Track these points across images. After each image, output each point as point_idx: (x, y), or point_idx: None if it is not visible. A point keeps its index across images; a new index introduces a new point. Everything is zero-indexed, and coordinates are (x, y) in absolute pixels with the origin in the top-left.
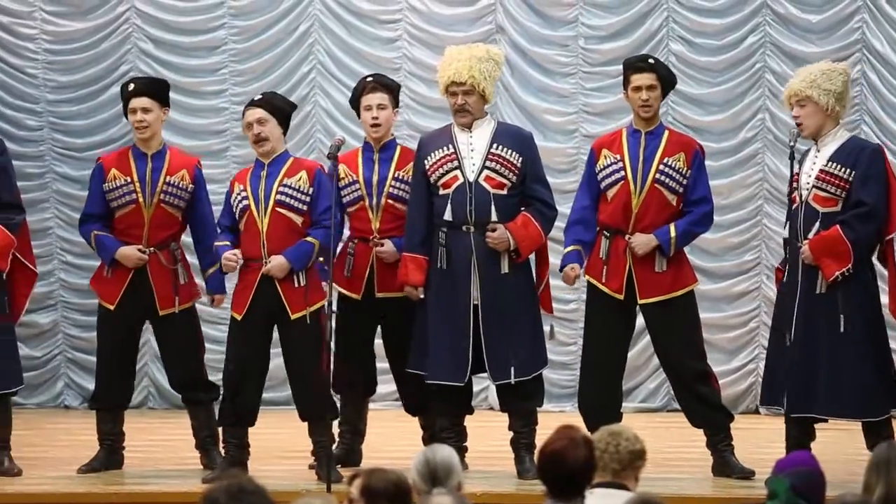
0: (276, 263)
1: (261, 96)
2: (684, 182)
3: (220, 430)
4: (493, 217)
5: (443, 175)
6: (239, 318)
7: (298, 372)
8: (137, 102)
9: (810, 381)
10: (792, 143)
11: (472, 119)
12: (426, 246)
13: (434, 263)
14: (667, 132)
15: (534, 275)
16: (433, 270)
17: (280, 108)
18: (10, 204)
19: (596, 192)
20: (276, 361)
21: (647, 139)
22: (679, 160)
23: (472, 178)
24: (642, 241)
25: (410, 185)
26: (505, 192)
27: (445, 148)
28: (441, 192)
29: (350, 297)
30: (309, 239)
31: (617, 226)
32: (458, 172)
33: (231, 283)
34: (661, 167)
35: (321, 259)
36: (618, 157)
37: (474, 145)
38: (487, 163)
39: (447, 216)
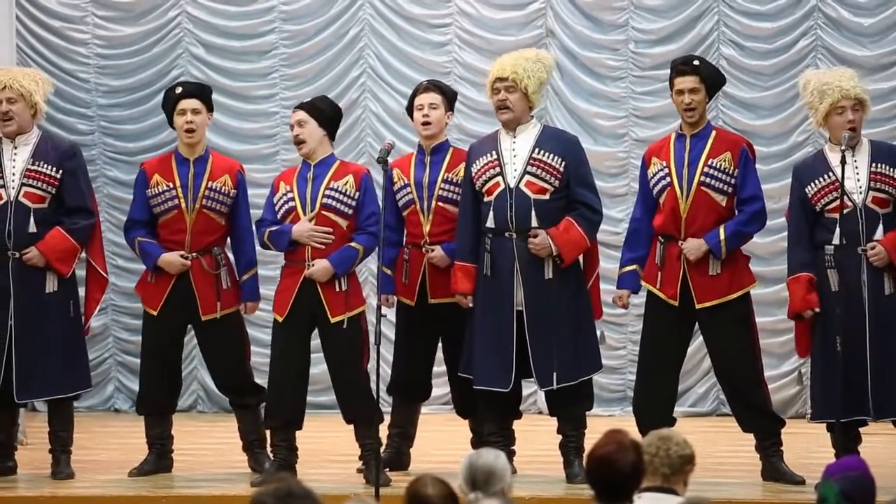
0: (320, 267)
1: (307, 100)
2: (732, 182)
3: (267, 433)
4: (534, 223)
5: (486, 182)
6: (281, 319)
7: (340, 375)
8: (187, 104)
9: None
10: (843, 148)
11: (514, 117)
12: (475, 254)
13: (480, 270)
14: (714, 133)
15: (583, 280)
16: (480, 277)
17: (321, 111)
18: (78, 208)
19: (650, 201)
20: (323, 365)
21: (693, 142)
22: (724, 160)
23: (512, 183)
24: (693, 247)
25: (461, 192)
26: (547, 197)
27: (490, 154)
28: (485, 198)
29: (406, 304)
30: (353, 244)
31: (669, 232)
32: (499, 179)
33: (268, 287)
34: (706, 169)
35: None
36: (664, 163)
37: (517, 151)
38: (529, 168)
39: (489, 223)
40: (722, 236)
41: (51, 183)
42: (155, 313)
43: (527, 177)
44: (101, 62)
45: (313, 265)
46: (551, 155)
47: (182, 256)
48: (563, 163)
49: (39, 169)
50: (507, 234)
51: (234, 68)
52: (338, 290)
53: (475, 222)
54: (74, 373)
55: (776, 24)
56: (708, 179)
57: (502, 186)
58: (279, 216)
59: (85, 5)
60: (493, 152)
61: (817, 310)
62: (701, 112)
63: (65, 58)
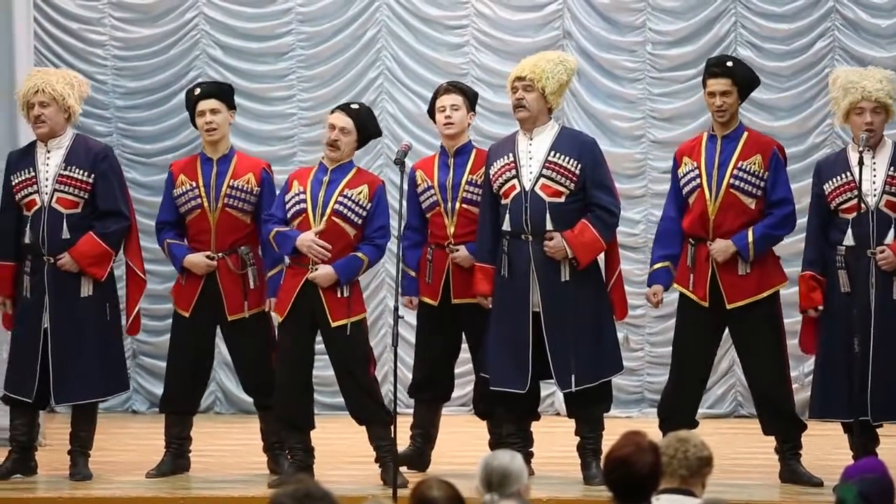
0: (324, 273)
1: (356, 106)
2: (762, 185)
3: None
4: (549, 226)
5: (503, 184)
6: (280, 319)
7: (347, 380)
8: (205, 104)
9: None
10: (861, 149)
11: (529, 116)
12: (494, 255)
13: (499, 271)
14: (745, 134)
15: (603, 281)
16: (498, 278)
17: (366, 128)
18: (111, 212)
19: (681, 199)
20: None
21: (724, 144)
22: (755, 163)
23: (528, 186)
24: (721, 248)
25: (481, 193)
26: (562, 199)
27: (507, 156)
28: (503, 201)
29: (428, 303)
30: (360, 255)
31: (698, 234)
32: (515, 181)
33: None
34: (736, 171)
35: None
36: (695, 163)
37: (533, 153)
38: (544, 171)
39: (506, 226)
40: (750, 238)
41: (83, 188)
42: (186, 314)
43: (542, 180)
44: (119, 64)
45: (317, 269)
46: (567, 157)
47: (208, 257)
48: (579, 165)
49: (71, 174)
50: (522, 237)
51: (252, 70)
52: (339, 295)
53: (494, 224)
54: (110, 375)
55: (793, 25)
56: (737, 182)
57: (518, 189)
58: (289, 215)
59: (102, 7)
60: (511, 154)
61: (820, 308)
62: (731, 114)
63: (82, 59)
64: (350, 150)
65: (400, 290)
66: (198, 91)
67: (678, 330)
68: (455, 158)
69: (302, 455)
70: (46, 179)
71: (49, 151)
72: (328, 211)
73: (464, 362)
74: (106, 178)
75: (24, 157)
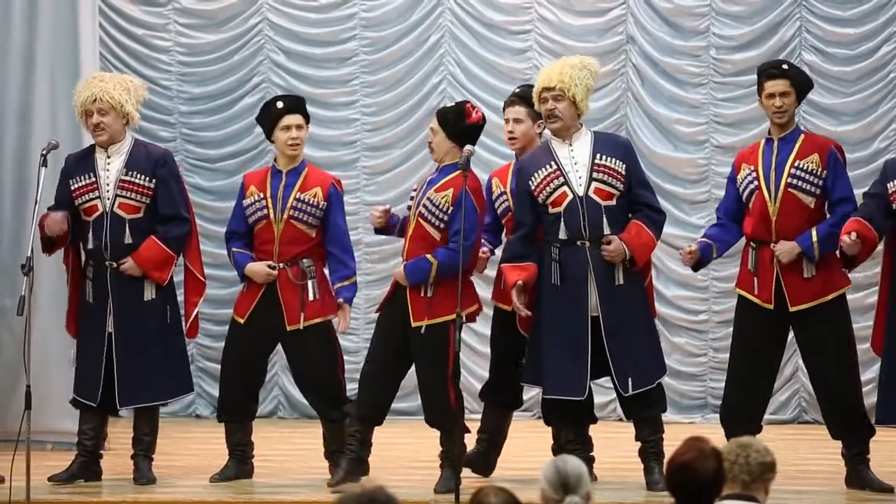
0: (398, 272)
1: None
2: (819, 183)
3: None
4: (606, 230)
5: (551, 193)
6: (376, 314)
7: (422, 380)
8: (292, 119)
9: None
10: None
11: (563, 125)
12: (524, 259)
13: (547, 280)
14: (802, 136)
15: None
16: (546, 286)
17: (455, 133)
18: (172, 216)
19: (734, 205)
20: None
21: (780, 146)
22: (812, 161)
23: (581, 192)
24: (786, 249)
25: (514, 208)
26: (614, 202)
27: (548, 166)
28: (551, 210)
29: (503, 309)
30: (429, 257)
31: (761, 236)
32: (565, 189)
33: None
34: (793, 171)
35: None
36: (752, 167)
37: (576, 158)
38: (594, 175)
39: (561, 234)
40: (814, 238)
41: (145, 193)
42: (242, 321)
43: (594, 184)
44: (183, 69)
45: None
46: (612, 159)
47: (269, 266)
48: (624, 165)
49: (133, 179)
50: (579, 243)
51: (315, 75)
52: (422, 295)
53: (530, 238)
54: (174, 378)
55: (858, 29)
56: (794, 181)
57: (570, 196)
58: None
59: (167, 13)
60: (552, 163)
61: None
62: (790, 115)
63: (147, 65)
64: (446, 149)
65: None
66: (280, 105)
67: (738, 336)
68: None
69: (357, 446)
70: (108, 185)
71: (109, 157)
72: (416, 214)
73: None
74: (166, 182)
75: (82, 162)
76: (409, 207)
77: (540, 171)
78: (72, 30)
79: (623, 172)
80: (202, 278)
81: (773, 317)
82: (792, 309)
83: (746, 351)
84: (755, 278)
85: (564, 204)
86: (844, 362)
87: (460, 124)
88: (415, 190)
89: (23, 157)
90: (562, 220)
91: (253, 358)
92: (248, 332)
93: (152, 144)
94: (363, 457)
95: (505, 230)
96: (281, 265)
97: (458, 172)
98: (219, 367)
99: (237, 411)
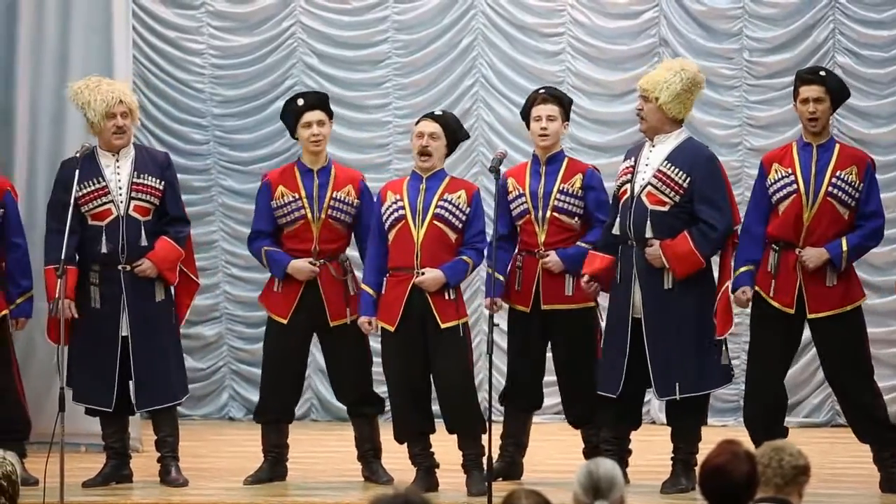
0: (432, 276)
1: (440, 112)
2: (856, 195)
3: (381, 442)
4: (648, 233)
5: (619, 187)
6: (392, 329)
7: (446, 383)
8: (313, 116)
9: None
10: None
11: (648, 126)
12: (607, 251)
13: (615, 276)
14: (837, 146)
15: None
16: (613, 282)
17: (454, 132)
18: (178, 217)
19: (765, 207)
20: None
21: (819, 152)
22: (851, 173)
23: (636, 192)
24: (814, 255)
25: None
26: (665, 209)
27: (630, 160)
28: (620, 204)
29: (520, 310)
30: (465, 258)
31: (788, 239)
32: (627, 186)
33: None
34: (834, 180)
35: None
36: (789, 170)
37: (651, 161)
38: (652, 179)
39: (616, 229)
40: (844, 248)
41: (156, 195)
42: (285, 321)
43: (648, 188)
44: (216, 72)
45: (424, 273)
46: (678, 170)
47: (310, 263)
48: (689, 178)
49: (145, 182)
50: (629, 242)
51: (348, 78)
52: (447, 297)
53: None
54: (180, 380)
55: (892, 32)
56: (835, 191)
57: (629, 194)
58: (387, 226)
59: (200, 16)
60: (633, 159)
61: None
62: (824, 123)
63: (180, 68)
64: (441, 156)
65: (488, 291)
66: (301, 102)
67: (756, 338)
68: (547, 167)
69: (423, 459)
70: (120, 188)
71: (118, 161)
72: (429, 216)
73: (553, 371)
74: (172, 184)
75: (85, 167)
76: (399, 219)
77: (624, 164)
78: (105, 33)
79: (685, 185)
80: (196, 279)
81: (789, 320)
82: (810, 316)
83: (764, 353)
84: (773, 281)
85: (623, 200)
86: (862, 371)
87: (460, 132)
88: (396, 203)
89: (56, 160)
90: (618, 214)
91: (297, 357)
92: (291, 331)
93: (152, 147)
94: (432, 466)
95: (520, 234)
96: (321, 261)
97: (449, 177)
98: (252, 369)
99: (277, 414)
